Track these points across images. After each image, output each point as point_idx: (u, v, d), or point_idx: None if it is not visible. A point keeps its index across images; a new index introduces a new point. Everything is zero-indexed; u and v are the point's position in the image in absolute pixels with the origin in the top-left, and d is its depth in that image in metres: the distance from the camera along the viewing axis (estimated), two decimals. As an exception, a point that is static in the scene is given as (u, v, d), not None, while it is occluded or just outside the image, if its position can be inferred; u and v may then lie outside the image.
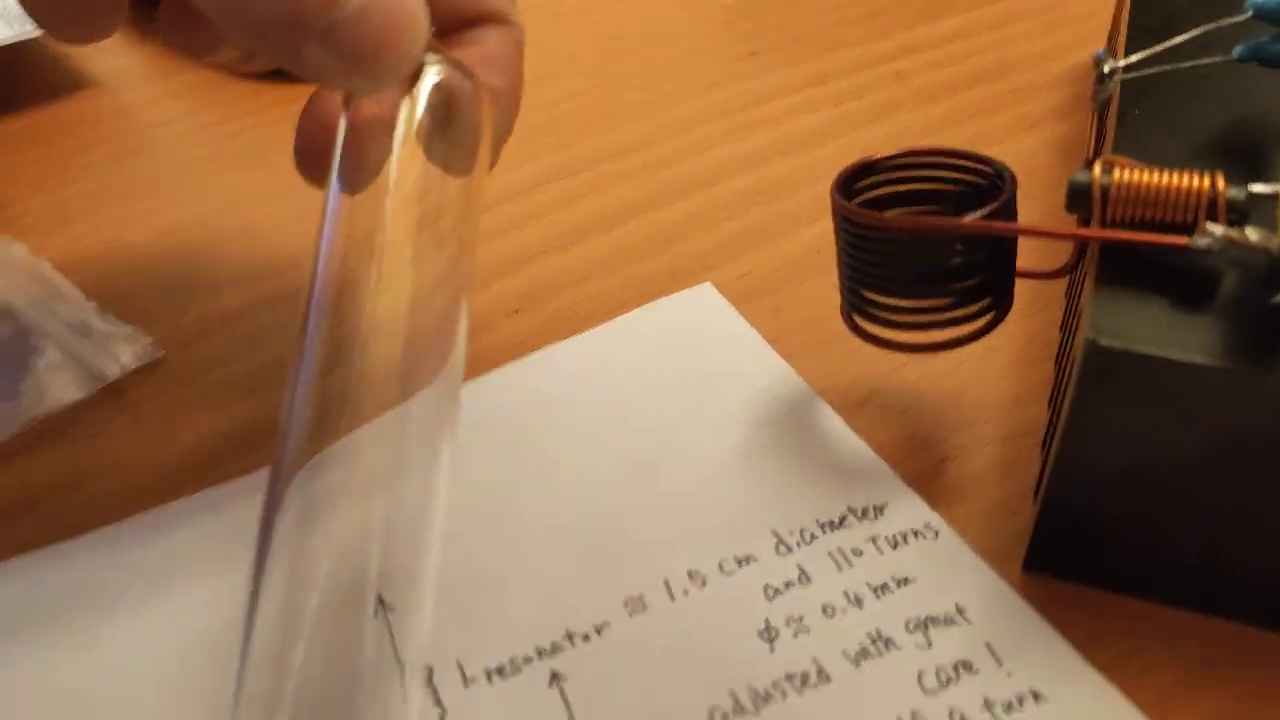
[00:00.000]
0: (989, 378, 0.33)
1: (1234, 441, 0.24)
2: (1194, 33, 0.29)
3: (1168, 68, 0.28)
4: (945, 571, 0.27)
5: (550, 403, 0.32)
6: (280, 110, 0.45)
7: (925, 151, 0.29)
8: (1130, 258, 0.25)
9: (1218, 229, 0.24)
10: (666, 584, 0.27)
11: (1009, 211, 0.27)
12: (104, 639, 0.27)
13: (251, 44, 0.25)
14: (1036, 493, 0.29)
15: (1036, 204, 0.39)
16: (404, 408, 0.24)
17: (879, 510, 0.28)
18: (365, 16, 0.23)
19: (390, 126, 0.26)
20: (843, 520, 0.28)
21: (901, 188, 0.30)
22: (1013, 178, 0.27)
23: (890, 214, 0.27)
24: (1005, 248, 0.28)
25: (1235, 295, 0.24)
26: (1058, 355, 0.33)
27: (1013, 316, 0.33)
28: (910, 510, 0.28)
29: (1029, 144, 0.43)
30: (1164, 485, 0.25)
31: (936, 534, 0.28)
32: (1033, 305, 0.35)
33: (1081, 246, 0.29)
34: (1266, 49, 0.28)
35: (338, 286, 0.25)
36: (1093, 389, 0.24)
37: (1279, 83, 0.30)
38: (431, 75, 0.26)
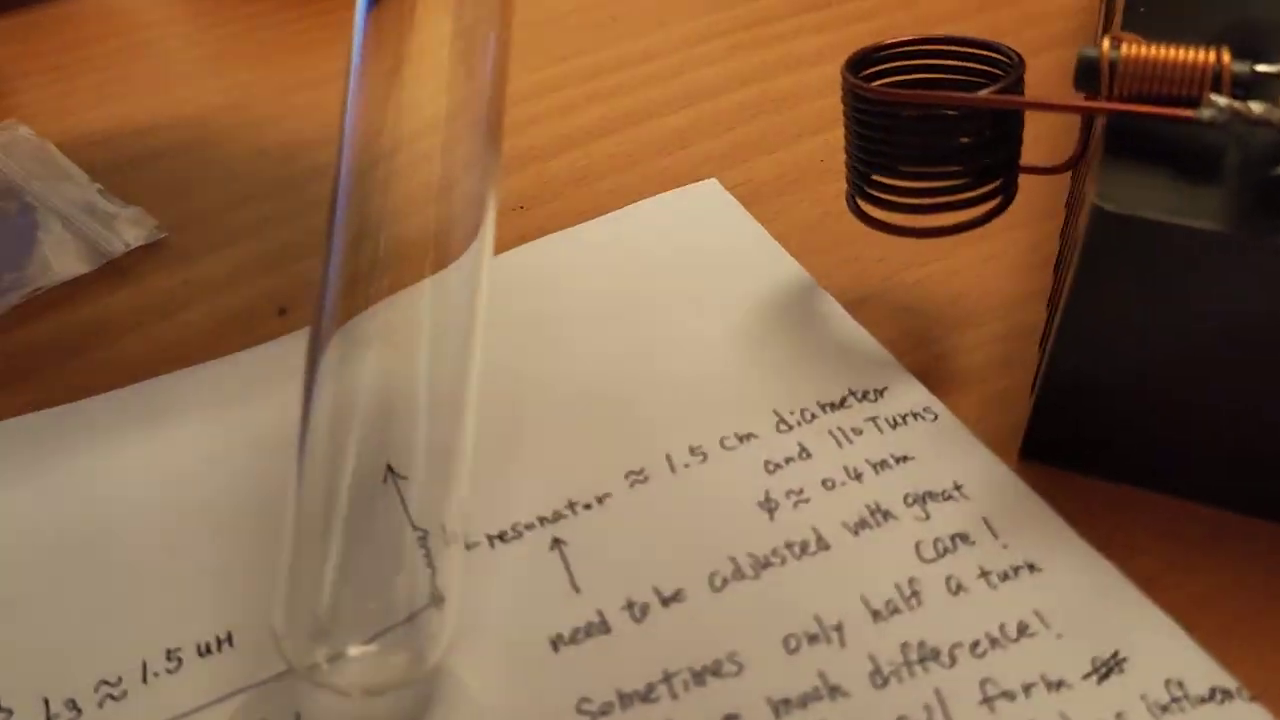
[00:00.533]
0: (989, 282, 0.33)
1: (1235, 313, 0.24)
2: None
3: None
4: (944, 451, 0.27)
5: (557, 284, 0.32)
6: (284, 14, 0.45)
7: (936, 39, 0.29)
8: (1136, 133, 0.25)
9: (1222, 101, 0.24)
10: (668, 457, 0.27)
11: (1016, 90, 0.27)
12: (107, 478, 0.27)
13: None
14: (1033, 389, 0.29)
15: (1047, 124, 0.39)
16: (439, 277, 0.25)
17: (879, 393, 0.29)
18: None
19: None
20: (843, 401, 0.28)
21: (910, 76, 0.30)
22: (1020, 59, 0.28)
23: (905, 90, 0.27)
24: (1013, 129, 0.28)
25: (1239, 167, 0.24)
26: (1056, 262, 0.33)
27: (1013, 224, 0.34)
28: (910, 394, 0.29)
29: (1038, 66, 0.43)
30: (1164, 364, 0.25)
31: (935, 416, 0.28)
32: (1031, 214, 0.35)
33: (1087, 134, 0.29)
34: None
35: (370, 128, 0.25)
36: (1097, 257, 0.24)
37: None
38: None
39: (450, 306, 0.25)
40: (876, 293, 0.33)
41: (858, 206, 0.30)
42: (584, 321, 0.31)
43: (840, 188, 0.36)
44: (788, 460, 0.27)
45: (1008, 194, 0.29)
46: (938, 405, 0.28)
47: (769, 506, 0.26)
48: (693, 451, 0.27)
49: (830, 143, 0.39)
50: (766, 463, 0.27)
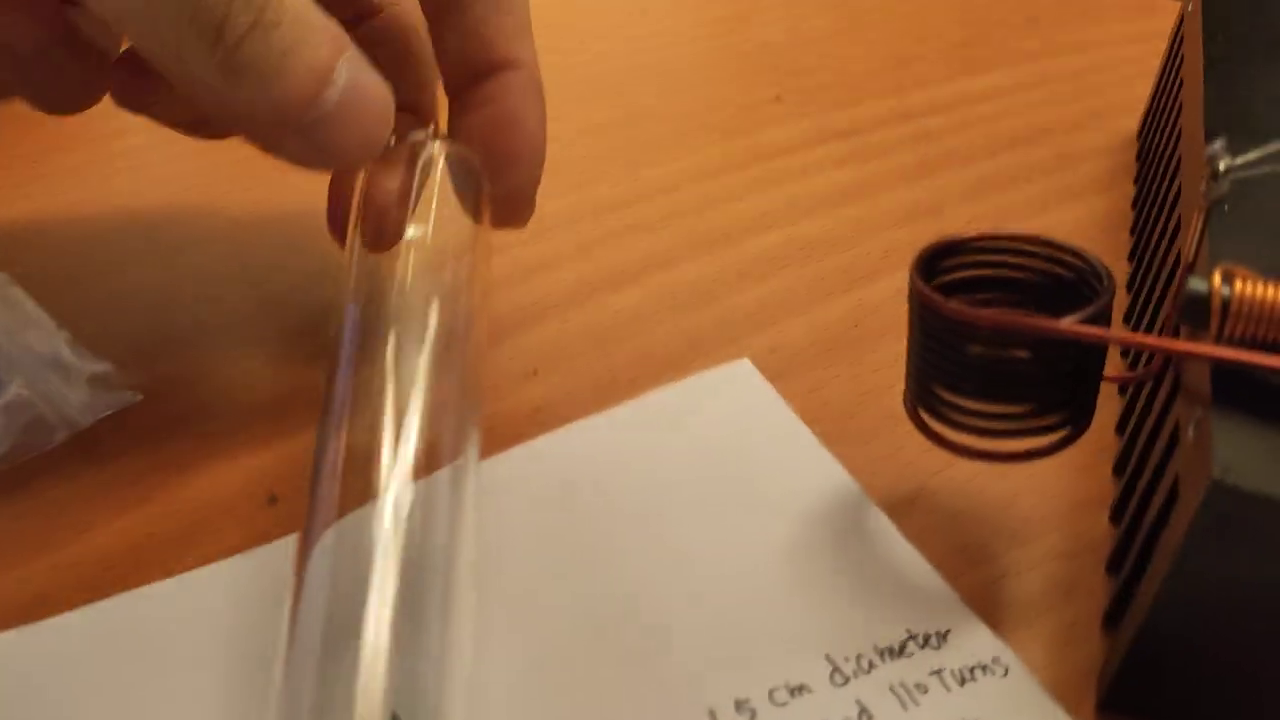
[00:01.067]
0: (1042, 483, 0.30)
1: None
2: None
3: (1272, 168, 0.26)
4: (1019, 714, 0.24)
5: (576, 487, 0.29)
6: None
7: (1014, 237, 0.26)
8: (1249, 384, 0.23)
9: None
10: (712, 715, 0.24)
11: (1105, 317, 0.25)
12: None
13: (231, 129, 0.28)
14: (1106, 622, 0.27)
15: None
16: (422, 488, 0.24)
17: (942, 637, 0.26)
18: (341, 112, 0.25)
19: (403, 197, 0.28)
20: (903, 647, 0.25)
21: (977, 272, 0.27)
22: (1111, 279, 0.25)
23: (983, 310, 0.24)
24: (1096, 357, 0.25)
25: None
26: (1117, 462, 0.31)
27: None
28: (976, 639, 0.26)
29: (1070, 216, 0.40)
30: (1270, 635, 0.23)
31: (1006, 670, 0.25)
32: (1086, 400, 0.33)
33: (1167, 353, 0.27)
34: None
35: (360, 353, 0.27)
36: (1212, 528, 0.22)
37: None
38: (430, 150, 0.29)
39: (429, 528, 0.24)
40: (923, 494, 0.30)
41: (917, 414, 0.27)
42: (608, 534, 0.28)
43: (877, 358, 0.34)
44: (846, 722, 0.24)
45: (1081, 424, 0.26)
46: (1008, 654, 0.26)
47: (826, 778, 0.23)
48: (739, 708, 0.24)
49: (860, 304, 0.36)
50: (822, 724, 0.24)
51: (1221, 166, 0.25)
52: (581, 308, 0.35)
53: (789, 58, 0.50)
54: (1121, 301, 0.36)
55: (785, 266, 0.37)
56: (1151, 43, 0.45)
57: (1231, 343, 0.23)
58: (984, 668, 0.25)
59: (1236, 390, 0.23)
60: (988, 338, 0.25)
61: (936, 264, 0.27)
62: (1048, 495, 0.30)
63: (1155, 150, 0.39)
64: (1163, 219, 0.35)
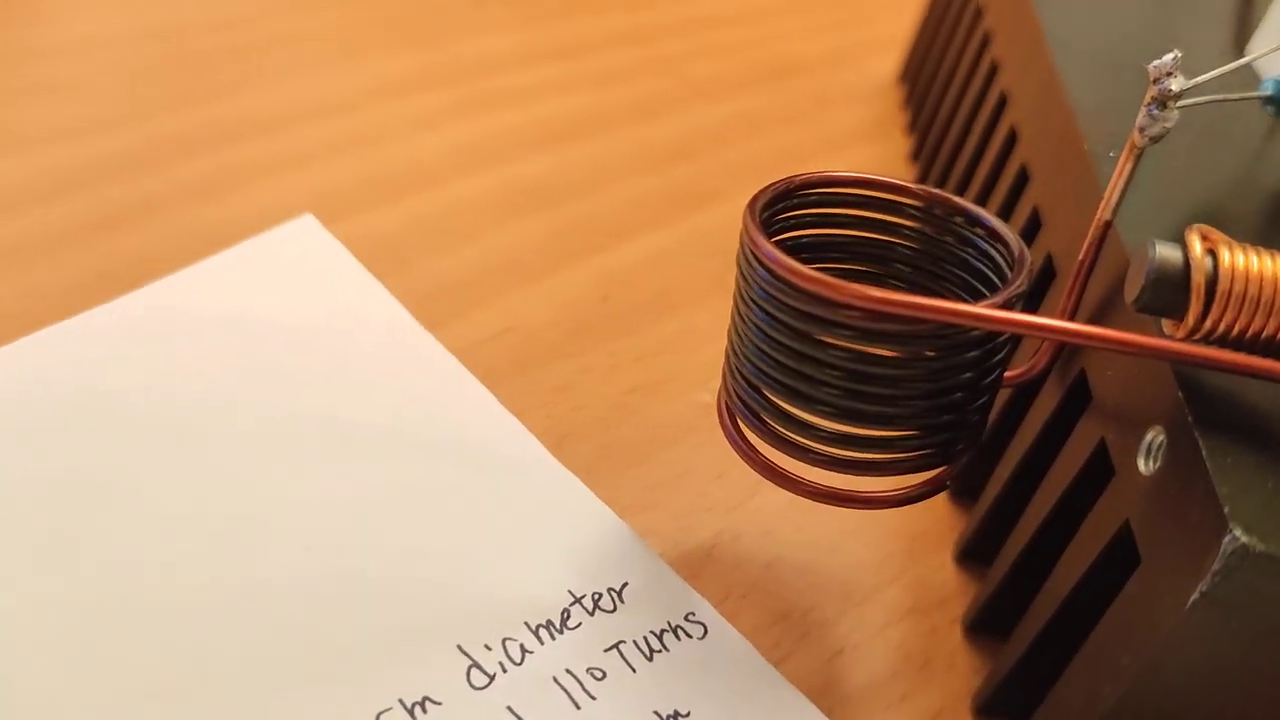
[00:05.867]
0: (867, 513, 0.23)
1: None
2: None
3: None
4: (729, 687, 0.17)
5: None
6: None
7: (883, 185, 0.19)
8: (1227, 398, 0.16)
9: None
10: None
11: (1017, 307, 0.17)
12: None
13: None
14: (988, 711, 0.19)
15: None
16: None
17: (618, 594, 0.19)
18: None
19: None
20: (566, 617, 0.18)
21: (815, 231, 0.19)
22: (1026, 256, 0.18)
23: (865, 288, 0.16)
24: (1001, 360, 0.18)
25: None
26: (963, 485, 0.24)
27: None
28: (663, 589, 0.19)
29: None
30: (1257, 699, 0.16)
31: (705, 629, 0.18)
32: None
33: (1058, 349, 0.19)
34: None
35: None
36: (1218, 606, 0.15)
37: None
38: None
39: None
40: (722, 540, 0.22)
41: (737, 429, 0.19)
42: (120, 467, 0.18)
43: (639, 344, 0.25)
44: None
45: (965, 454, 0.18)
46: (703, 607, 0.18)
47: None
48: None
49: (614, 270, 0.27)
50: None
51: (1174, 86, 0.17)
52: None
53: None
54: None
55: (503, 219, 0.28)
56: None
57: (1211, 338, 0.16)
58: (677, 629, 0.18)
59: (1217, 410, 0.16)
60: (862, 329, 0.16)
61: (773, 217, 0.18)
62: (877, 529, 0.22)
63: (942, 94, 0.33)
64: (967, 175, 0.29)
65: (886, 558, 0.22)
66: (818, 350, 0.17)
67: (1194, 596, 0.14)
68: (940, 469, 0.18)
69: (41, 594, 0.17)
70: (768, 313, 0.17)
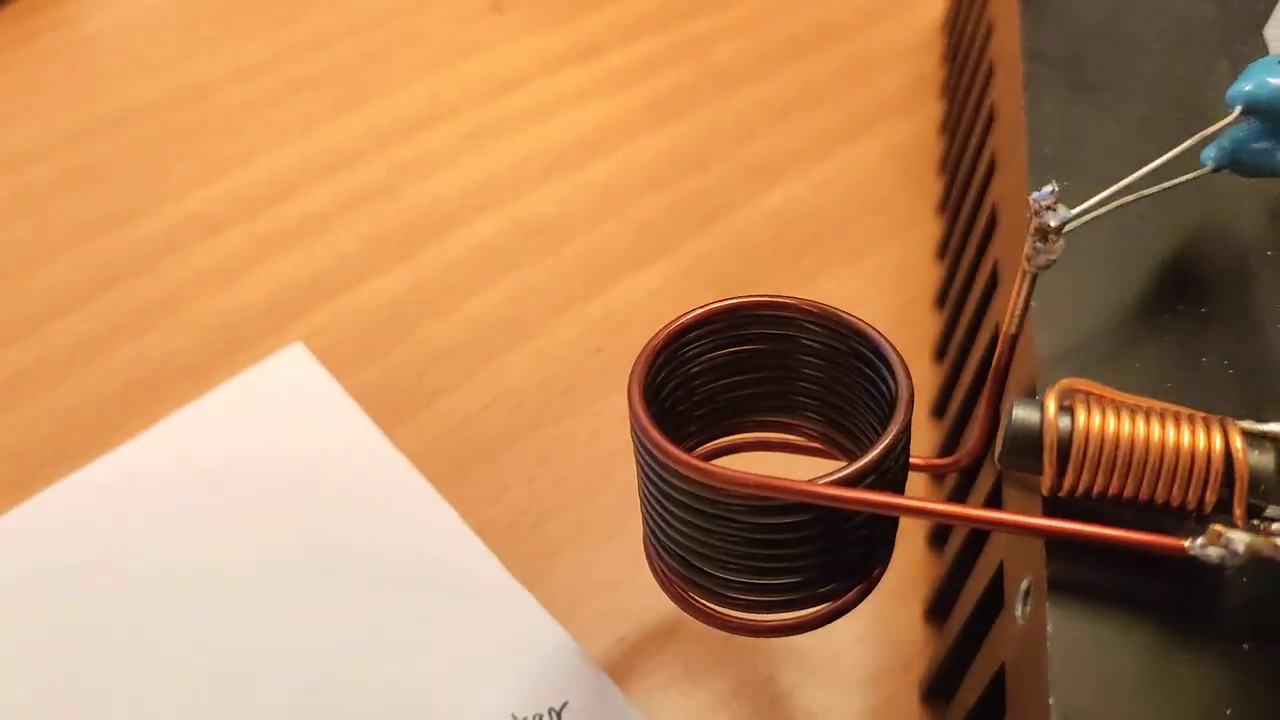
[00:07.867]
0: (829, 636, 0.23)
1: None
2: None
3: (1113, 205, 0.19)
4: None
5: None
6: None
7: (771, 304, 0.19)
8: (1086, 557, 0.16)
9: (1237, 536, 0.15)
10: None
11: (899, 463, 0.17)
12: None
13: None
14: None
15: (888, 253, 0.29)
16: None
17: (557, 715, 0.19)
18: None
19: None
20: None
21: (730, 350, 0.20)
22: (908, 382, 0.18)
23: (742, 475, 0.16)
24: (888, 524, 0.18)
25: (1255, 619, 0.15)
26: (931, 605, 0.24)
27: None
28: (603, 703, 0.20)
29: (865, 154, 0.33)
30: None
31: None
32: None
33: (993, 429, 0.19)
34: (1244, 150, 0.19)
35: None
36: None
37: (1247, 199, 0.21)
38: None
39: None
40: (655, 667, 0.23)
41: (675, 588, 0.20)
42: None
43: (606, 407, 0.26)
44: None
45: (881, 568, 0.19)
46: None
47: None
48: None
49: (610, 314, 0.28)
50: None
51: (1053, 222, 0.17)
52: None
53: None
54: (935, 280, 0.29)
55: (506, 268, 0.29)
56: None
57: (1070, 499, 0.16)
58: None
59: (1072, 564, 0.16)
60: (746, 507, 0.17)
61: (678, 351, 0.19)
62: (843, 652, 0.23)
63: (968, 51, 0.31)
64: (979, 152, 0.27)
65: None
66: (711, 523, 0.17)
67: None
68: (851, 595, 0.19)
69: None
70: (660, 490, 0.18)
